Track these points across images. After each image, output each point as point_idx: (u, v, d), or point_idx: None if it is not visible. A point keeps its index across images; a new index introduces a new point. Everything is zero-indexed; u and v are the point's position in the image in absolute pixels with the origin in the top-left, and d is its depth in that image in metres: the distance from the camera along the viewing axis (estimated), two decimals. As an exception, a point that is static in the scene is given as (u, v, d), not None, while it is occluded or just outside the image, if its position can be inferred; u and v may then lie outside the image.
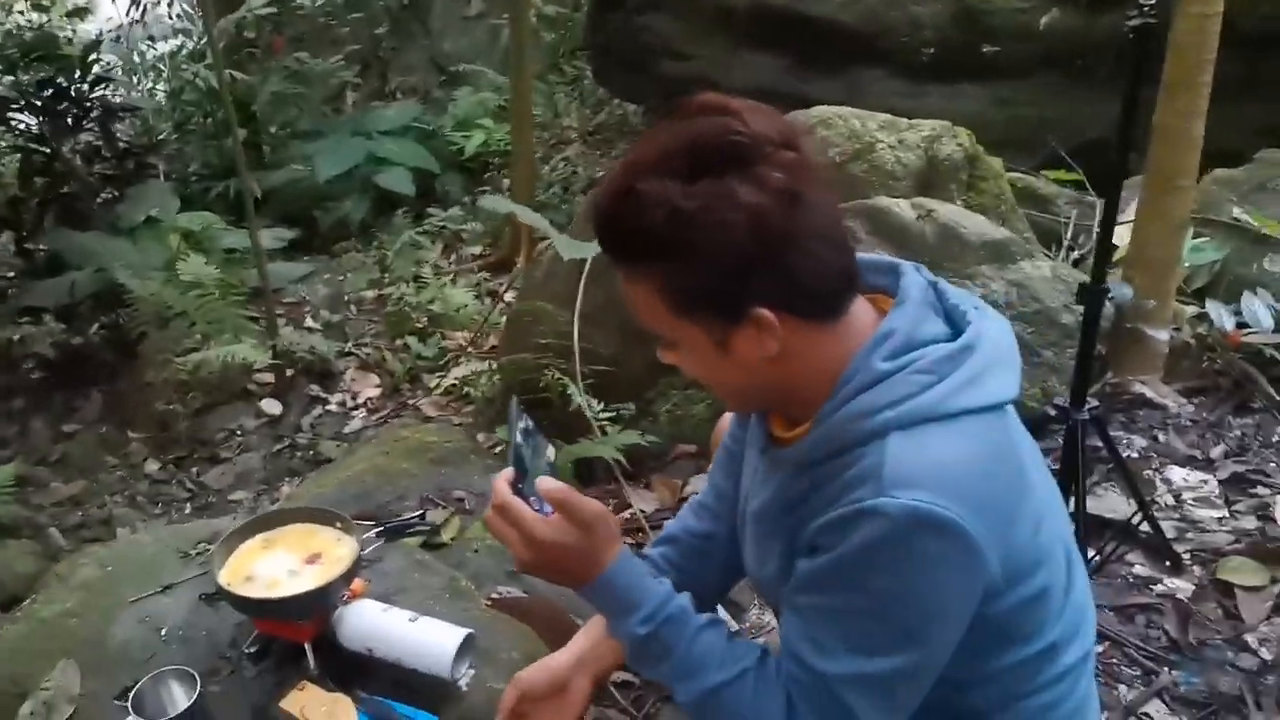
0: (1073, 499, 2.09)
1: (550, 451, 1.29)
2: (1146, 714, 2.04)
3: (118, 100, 5.73)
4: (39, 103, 4.94)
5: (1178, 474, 2.60)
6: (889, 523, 0.97)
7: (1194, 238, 3.26)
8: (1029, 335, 2.55)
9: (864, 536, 0.99)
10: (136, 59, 7.11)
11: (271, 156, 6.70)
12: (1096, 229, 3.49)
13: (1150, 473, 2.59)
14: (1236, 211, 3.33)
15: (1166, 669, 2.12)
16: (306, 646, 1.64)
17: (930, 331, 1.09)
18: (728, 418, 1.49)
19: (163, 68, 6.88)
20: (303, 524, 1.75)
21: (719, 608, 1.82)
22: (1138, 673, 2.12)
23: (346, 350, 4.74)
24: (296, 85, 6.93)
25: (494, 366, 3.95)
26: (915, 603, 1.02)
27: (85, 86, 5.13)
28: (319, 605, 1.62)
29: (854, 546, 1.00)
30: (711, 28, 4.53)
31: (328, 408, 4.38)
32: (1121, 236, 3.04)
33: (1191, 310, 3.06)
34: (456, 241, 5.98)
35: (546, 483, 1.17)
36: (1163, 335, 2.78)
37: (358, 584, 1.75)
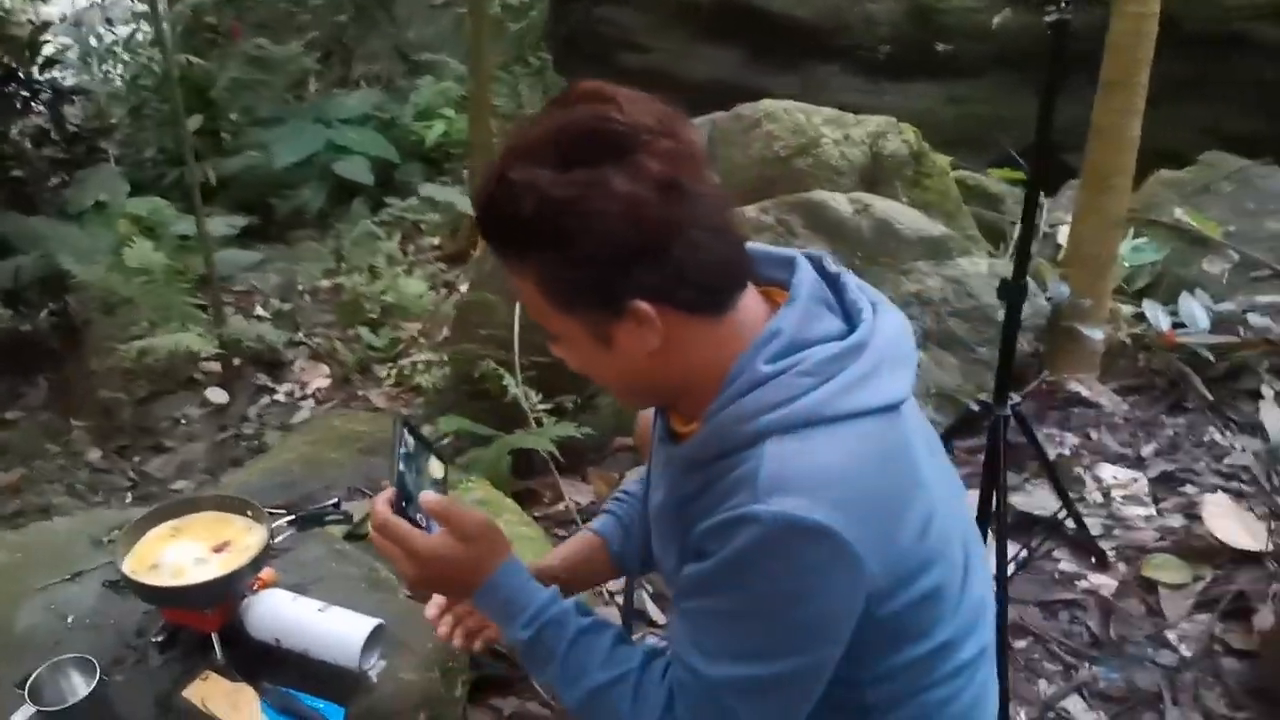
0: (995, 495, 2.09)
1: (436, 467, 1.30)
2: (1065, 709, 2.06)
3: (69, 84, 5.63)
4: (-14, 85, 4.86)
5: (1108, 471, 2.62)
6: (764, 530, 0.96)
7: (1136, 238, 3.29)
8: (964, 331, 2.56)
9: (741, 543, 0.98)
10: (94, 42, 6.99)
11: (231, 143, 6.63)
12: (1046, 228, 3.54)
13: (1081, 470, 2.61)
14: (1178, 213, 3.37)
15: (1087, 664, 2.15)
16: (213, 636, 1.62)
17: (819, 330, 1.07)
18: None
19: (118, 51, 6.77)
20: (213, 512, 1.72)
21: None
22: (1058, 668, 2.14)
23: (297, 340, 4.69)
24: (257, 71, 6.86)
25: (445, 358, 3.93)
26: (794, 609, 1.01)
27: (35, 69, 5.04)
28: (223, 594, 1.60)
29: (733, 553, 0.99)
30: (671, 21, 4.52)
31: (275, 397, 4.34)
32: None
33: (1129, 310, 3.09)
34: (415, 232, 5.94)
35: (428, 498, 1.18)
36: (1097, 334, 2.80)
37: (268, 573, 1.72)
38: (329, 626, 1.61)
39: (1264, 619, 2.17)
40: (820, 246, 2.47)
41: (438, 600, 1.35)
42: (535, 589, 1.20)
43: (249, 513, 1.71)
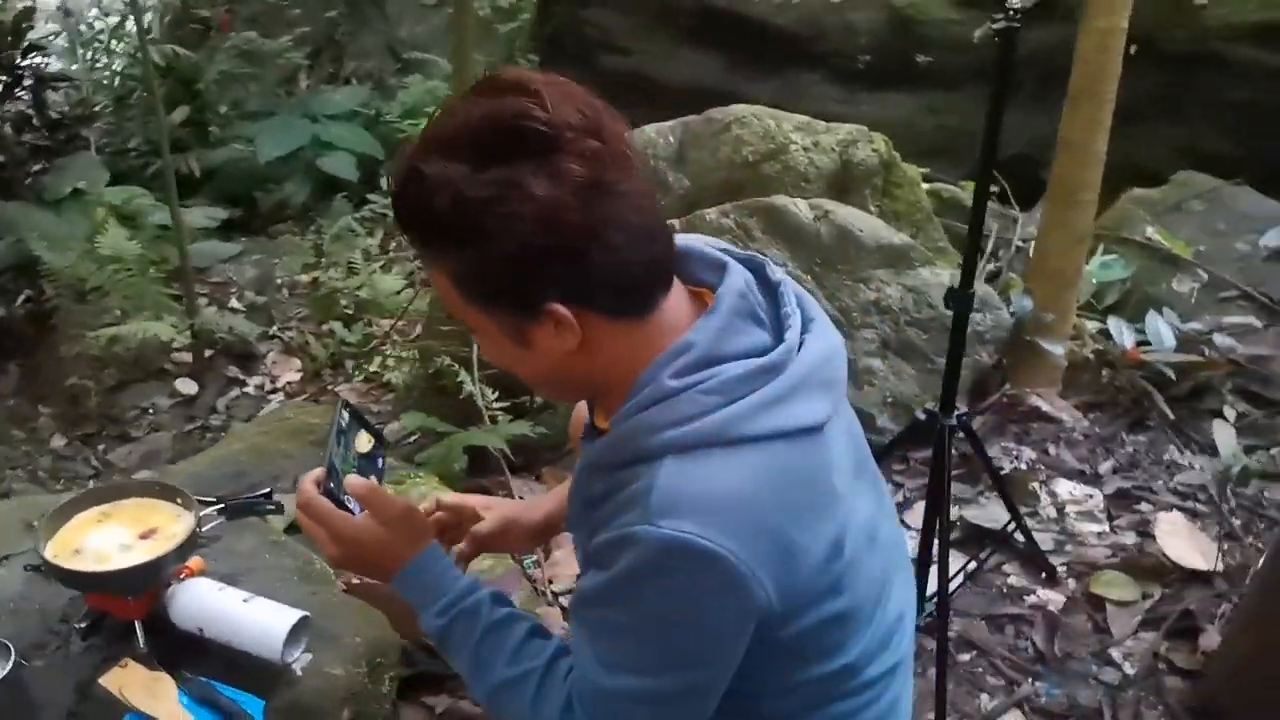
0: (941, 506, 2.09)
1: (364, 441, 1.30)
2: (1004, 723, 2.05)
3: (52, 70, 5.61)
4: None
5: (1064, 487, 2.61)
6: (651, 551, 0.95)
7: (1105, 255, 3.29)
8: (923, 341, 2.56)
9: (630, 562, 0.97)
10: (83, 29, 6.97)
11: (218, 135, 6.60)
12: (1019, 242, 3.53)
13: (1036, 485, 2.60)
14: (1150, 231, 3.36)
15: (1030, 680, 2.14)
16: (136, 624, 1.60)
17: (737, 345, 1.03)
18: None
19: (102, 40, 6.74)
20: (143, 498, 1.71)
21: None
22: (1001, 683, 2.14)
23: (271, 333, 4.67)
24: (246, 65, 6.83)
25: (417, 355, 3.92)
26: (680, 628, 0.99)
27: (17, 54, 5.02)
28: (147, 581, 1.58)
29: (622, 570, 0.98)
30: (654, 24, 4.52)
31: (245, 390, 4.31)
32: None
33: (1095, 326, 3.08)
34: (396, 229, 5.91)
35: (353, 481, 1.19)
36: (1059, 349, 2.79)
37: (196, 562, 1.70)
38: (253, 617, 1.59)
39: (1210, 639, 2.17)
40: (779, 251, 2.47)
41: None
42: (453, 578, 1.20)
43: (178, 500, 1.69)
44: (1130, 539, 2.46)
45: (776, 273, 1.12)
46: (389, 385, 4.15)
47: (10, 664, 1.48)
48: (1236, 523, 2.49)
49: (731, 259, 1.12)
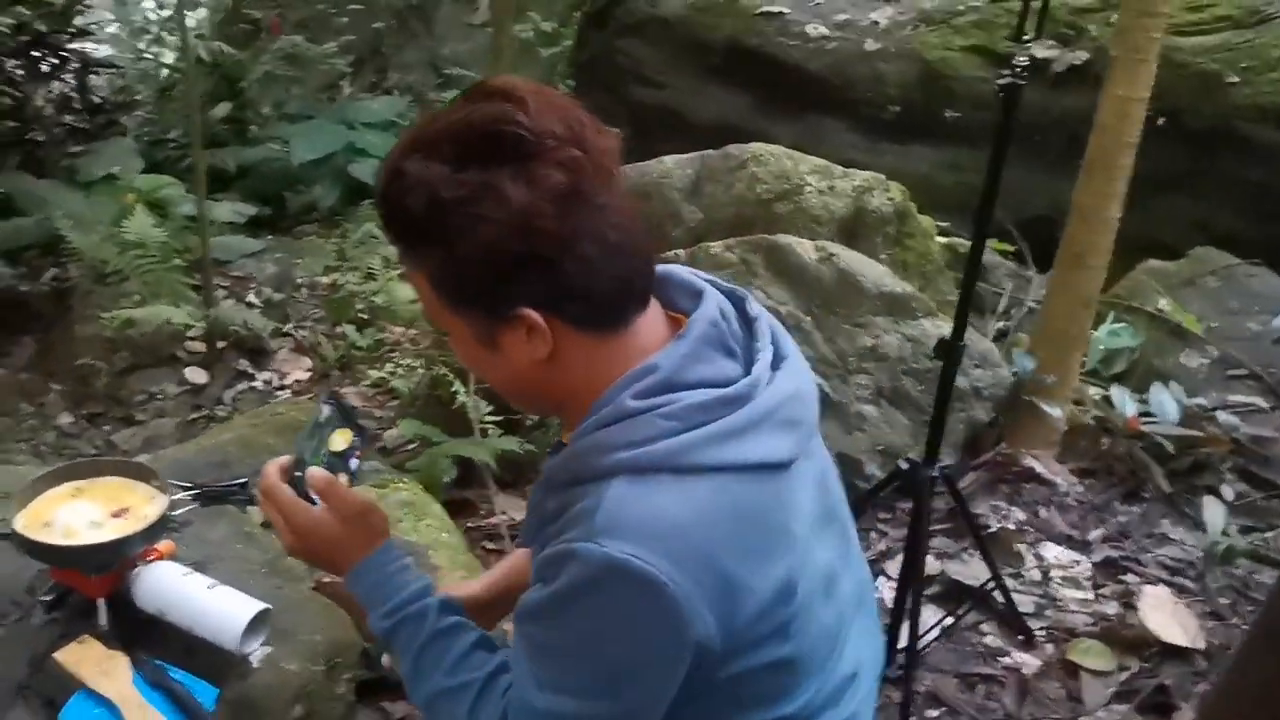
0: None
1: (338, 440, 1.29)
2: (963, 784, 2.02)
3: (99, 56, 5.74)
4: (14, 46, 4.94)
5: (1052, 550, 2.59)
6: (589, 569, 0.94)
7: (1115, 323, 3.28)
8: (918, 392, 2.55)
9: (569, 578, 0.96)
10: (136, 19, 7.13)
11: (256, 134, 6.71)
12: (1033, 303, 3.51)
13: (1023, 546, 2.58)
14: (1162, 303, 3.35)
15: (995, 741, 2.10)
16: (100, 602, 1.61)
17: (702, 373, 1.02)
18: None
19: (153, 31, 6.89)
20: (119, 478, 1.72)
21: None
22: (966, 742, 2.10)
23: (284, 330, 4.71)
24: (290, 68, 6.95)
25: (425, 363, 3.95)
26: (610, 652, 0.98)
27: (65, 37, 5.14)
28: (111, 560, 1.59)
29: (561, 587, 0.97)
30: (685, 58, 4.56)
31: (253, 384, 4.35)
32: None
33: (1098, 392, 3.06)
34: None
35: (313, 474, 1.20)
36: (1058, 411, 2.78)
37: (166, 545, 1.71)
38: (215, 605, 1.59)
39: (1183, 717, 2.12)
40: (780, 290, 2.48)
41: None
42: (403, 581, 1.19)
43: (154, 482, 1.71)
44: (1113, 609, 2.43)
45: (755, 307, 1.12)
46: (394, 392, 4.18)
47: (-32, 630, 1.48)
48: (1223, 602, 2.45)
49: (712, 288, 1.12)
